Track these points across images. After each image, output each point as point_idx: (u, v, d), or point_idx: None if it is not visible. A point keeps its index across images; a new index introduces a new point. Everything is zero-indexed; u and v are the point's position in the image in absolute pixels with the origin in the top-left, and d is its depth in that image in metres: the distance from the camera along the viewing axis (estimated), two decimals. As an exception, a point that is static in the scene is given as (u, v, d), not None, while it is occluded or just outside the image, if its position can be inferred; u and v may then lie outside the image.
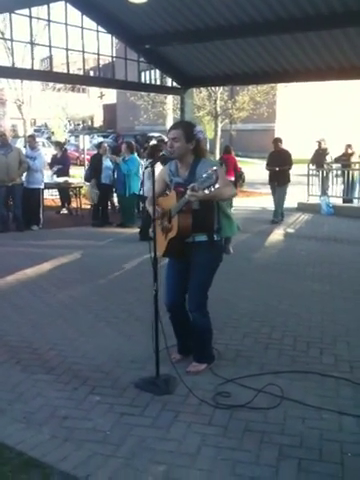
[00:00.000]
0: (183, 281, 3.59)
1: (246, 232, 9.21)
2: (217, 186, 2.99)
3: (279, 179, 10.12)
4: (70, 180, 11.35)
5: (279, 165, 9.99)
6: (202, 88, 16.75)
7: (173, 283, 3.65)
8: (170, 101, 18.48)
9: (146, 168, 3.65)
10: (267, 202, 11.73)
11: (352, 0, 7.01)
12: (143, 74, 12.28)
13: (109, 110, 46.51)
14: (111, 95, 42.69)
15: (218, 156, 18.53)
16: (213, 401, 3.25)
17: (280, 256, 7.51)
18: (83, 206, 11.00)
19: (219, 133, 18.02)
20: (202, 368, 3.67)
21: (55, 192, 11.82)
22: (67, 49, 8.52)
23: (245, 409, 3.15)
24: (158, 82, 12.06)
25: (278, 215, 10.28)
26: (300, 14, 7.42)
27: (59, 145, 12.17)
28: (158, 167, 3.94)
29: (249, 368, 3.73)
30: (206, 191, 2.99)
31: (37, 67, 16.70)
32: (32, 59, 8.44)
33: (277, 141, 10.27)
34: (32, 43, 8.35)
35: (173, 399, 3.30)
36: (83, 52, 8.83)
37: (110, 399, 3.30)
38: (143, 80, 12.26)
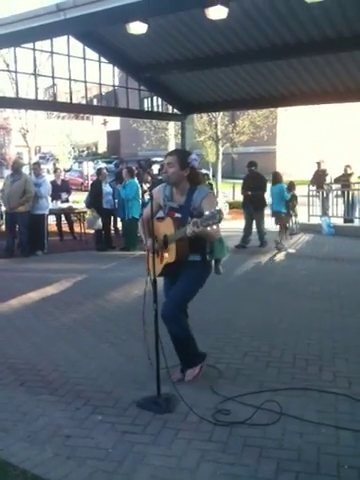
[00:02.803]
0: None
1: (248, 252, 9.34)
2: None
3: (254, 204, 9.87)
4: (74, 206, 11.54)
5: (252, 189, 9.79)
6: (203, 113, 17.06)
7: None
8: (172, 127, 18.81)
9: (144, 193, 3.83)
10: (268, 223, 11.81)
11: (344, 26, 7.26)
12: (146, 101, 12.56)
13: (113, 136, 47.18)
14: (115, 122, 43.35)
15: (220, 178, 18.80)
16: (213, 418, 3.30)
17: (281, 275, 7.59)
18: (87, 231, 11.14)
19: (220, 157, 18.28)
20: (197, 371, 3.77)
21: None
22: (70, 79, 8.80)
23: (245, 426, 3.21)
24: (160, 108, 12.33)
25: (263, 239, 9.97)
26: (293, 40, 7.68)
27: (58, 172, 12.35)
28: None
29: (249, 386, 3.78)
30: (208, 228, 3.14)
31: (41, 96, 17.09)
32: (36, 90, 8.71)
33: (251, 165, 10.10)
34: (36, 74, 8.64)
35: (174, 417, 3.35)
36: (85, 82, 9.10)
37: (112, 418, 3.36)
38: (145, 107, 12.53)
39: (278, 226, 9.87)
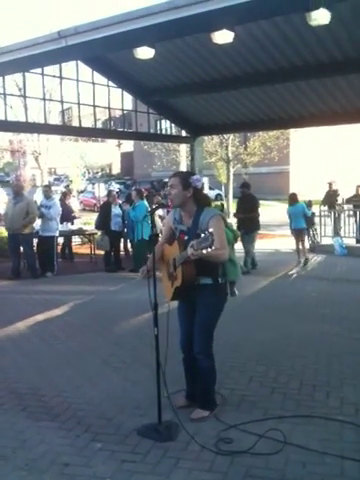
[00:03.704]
0: (193, 322, 3.64)
1: (258, 274, 9.26)
2: (213, 248, 3.08)
3: (246, 226, 9.31)
4: (84, 227, 11.62)
5: (244, 212, 9.42)
6: (214, 135, 17.18)
7: (184, 322, 3.72)
8: (183, 148, 18.96)
9: (145, 217, 3.79)
10: (280, 244, 11.78)
11: (350, 49, 7.29)
12: (158, 123, 12.69)
13: (126, 158, 47.71)
14: (129, 144, 43.86)
15: (232, 199, 18.82)
16: (215, 447, 3.23)
17: (290, 297, 7.49)
18: (97, 252, 11.17)
19: (231, 177, 18.33)
20: (206, 415, 3.64)
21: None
22: (79, 104, 8.95)
23: (247, 455, 3.13)
24: (172, 131, 12.43)
25: (248, 264, 9.48)
26: (301, 63, 7.71)
27: (68, 194, 12.47)
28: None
29: (253, 413, 3.70)
30: (204, 251, 3.10)
31: (56, 119, 17.41)
32: (45, 114, 8.87)
33: (243, 186, 9.83)
34: (45, 99, 8.80)
35: (175, 446, 3.28)
36: (94, 106, 9.25)
37: (112, 446, 3.30)
38: (159, 128, 12.65)
39: (298, 243, 10.32)
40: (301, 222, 10.17)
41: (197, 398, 3.74)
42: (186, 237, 3.53)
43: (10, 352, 5.24)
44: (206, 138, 16.85)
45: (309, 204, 10.77)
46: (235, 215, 9.94)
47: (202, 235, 3.13)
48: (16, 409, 3.88)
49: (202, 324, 3.58)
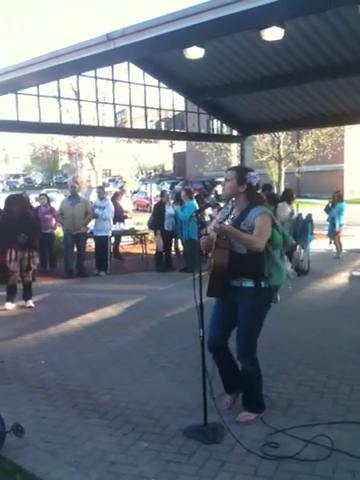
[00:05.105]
0: (227, 320, 3.61)
1: (310, 275, 9.05)
2: (231, 216, 3.07)
3: None
4: (136, 227, 11.79)
5: None
6: (265, 134, 16.99)
7: (216, 321, 3.67)
8: (234, 148, 18.87)
9: (191, 217, 3.74)
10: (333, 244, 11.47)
11: None
12: (209, 123, 12.71)
13: (179, 158, 47.96)
14: (181, 144, 44.11)
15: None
16: (261, 451, 3.19)
17: (343, 300, 7.28)
18: (148, 252, 11.30)
19: (283, 176, 18.03)
20: (252, 418, 3.59)
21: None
22: (130, 105, 9.09)
23: (293, 460, 3.08)
24: (224, 129, 12.41)
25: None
26: (352, 58, 7.48)
27: (119, 195, 12.61)
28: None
29: (301, 418, 3.63)
30: (226, 222, 3.08)
31: (111, 122, 17.78)
32: (98, 116, 9.09)
33: (265, 188, 9.55)
34: (98, 102, 9.02)
35: (220, 448, 3.27)
36: (145, 108, 9.37)
37: (158, 446, 3.33)
38: (211, 128, 12.65)
39: (335, 238, 10.93)
40: (341, 219, 10.97)
41: (243, 401, 3.71)
42: None
43: (63, 350, 5.40)
44: (257, 137, 16.68)
45: None
46: None
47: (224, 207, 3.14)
48: (67, 406, 3.99)
49: (244, 330, 3.53)
